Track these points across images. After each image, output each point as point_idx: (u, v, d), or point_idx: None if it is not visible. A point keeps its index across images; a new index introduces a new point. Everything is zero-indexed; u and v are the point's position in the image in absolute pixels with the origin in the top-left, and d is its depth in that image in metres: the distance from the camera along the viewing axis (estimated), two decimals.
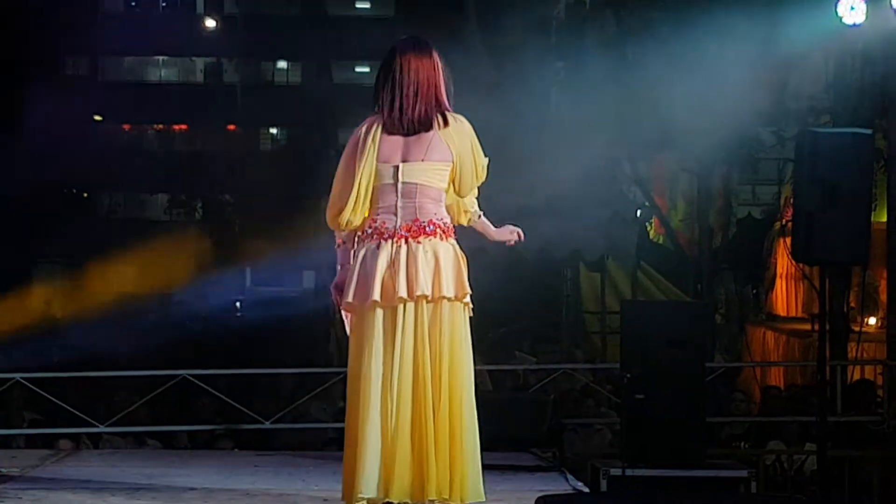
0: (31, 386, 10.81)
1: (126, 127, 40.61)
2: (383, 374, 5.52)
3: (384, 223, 5.63)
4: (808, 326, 16.68)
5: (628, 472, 8.42)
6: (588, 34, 18.21)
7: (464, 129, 5.66)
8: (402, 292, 5.53)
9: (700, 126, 15.85)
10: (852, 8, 12.46)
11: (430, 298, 5.55)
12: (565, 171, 15.42)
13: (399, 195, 5.62)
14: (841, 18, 12.56)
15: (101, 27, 37.08)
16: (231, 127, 40.14)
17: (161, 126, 40.59)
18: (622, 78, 16.10)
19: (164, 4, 39.70)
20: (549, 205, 15.91)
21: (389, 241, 5.60)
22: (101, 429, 10.80)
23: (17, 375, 10.67)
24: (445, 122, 5.61)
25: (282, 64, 40.85)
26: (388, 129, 5.61)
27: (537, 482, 7.38)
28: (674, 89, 14.84)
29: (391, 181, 5.61)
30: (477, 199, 5.91)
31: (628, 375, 8.62)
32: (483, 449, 5.68)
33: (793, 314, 19.59)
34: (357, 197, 5.62)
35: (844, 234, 8.39)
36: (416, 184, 5.61)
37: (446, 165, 5.64)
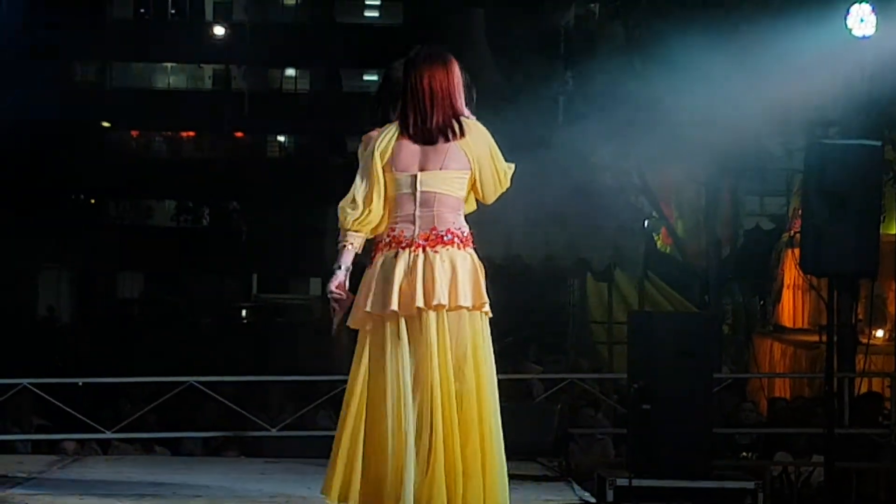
0: (38, 391, 10.80)
1: (134, 133, 40.70)
2: (414, 384, 5.46)
3: (402, 232, 5.59)
4: (815, 338, 16.63)
5: (635, 482, 8.41)
6: (597, 45, 18.23)
7: (480, 134, 5.64)
8: (420, 301, 5.48)
9: (708, 137, 15.84)
10: (862, 20, 12.41)
11: (448, 307, 5.51)
12: (573, 181, 15.42)
13: (417, 204, 5.58)
14: (850, 30, 12.51)
15: (110, 34, 37.19)
16: (239, 134, 40.22)
17: (169, 133, 40.67)
18: (630, 89, 16.11)
19: (172, 11, 39.76)
20: (556, 214, 15.90)
21: (407, 250, 5.56)
22: (108, 435, 10.79)
23: (25, 381, 10.65)
24: (462, 131, 5.59)
25: (290, 71, 40.89)
26: (406, 138, 5.59)
27: (544, 492, 7.38)
28: (682, 100, 14.83)
29: (409, 190, 5.58)
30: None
31: (635, 386, 8.62)
32: None
33: (800, 326, 19.52)
34: (368, 196, 5.56)
35: (853, 245, 8.40)
36: (435, 192, 5.58)
37: (464, 174, 5.61)
